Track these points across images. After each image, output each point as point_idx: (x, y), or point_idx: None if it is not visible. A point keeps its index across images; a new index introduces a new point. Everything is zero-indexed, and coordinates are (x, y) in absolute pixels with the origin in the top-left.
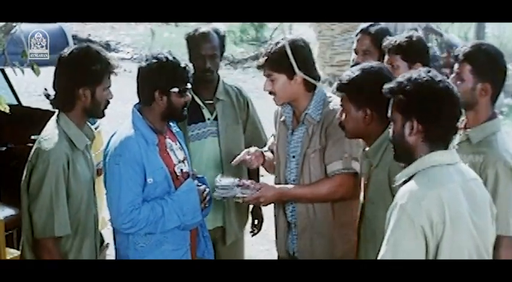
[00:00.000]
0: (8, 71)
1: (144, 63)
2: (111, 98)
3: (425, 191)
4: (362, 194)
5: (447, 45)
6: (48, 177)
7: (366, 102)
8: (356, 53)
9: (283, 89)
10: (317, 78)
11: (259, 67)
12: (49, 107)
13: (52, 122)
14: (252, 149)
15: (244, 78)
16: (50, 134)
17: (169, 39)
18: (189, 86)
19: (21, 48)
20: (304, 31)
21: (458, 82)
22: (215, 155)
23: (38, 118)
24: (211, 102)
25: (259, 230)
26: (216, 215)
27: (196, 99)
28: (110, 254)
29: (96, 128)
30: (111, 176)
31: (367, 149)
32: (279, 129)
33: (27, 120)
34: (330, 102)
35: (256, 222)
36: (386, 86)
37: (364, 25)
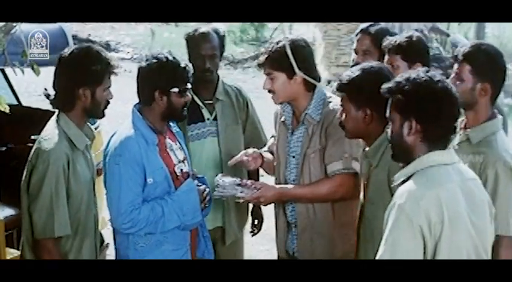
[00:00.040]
0: (8, 71)
1: (144, 63)
2: (111, 98)
3: (424, 191)
4: (362, 194)
5: (454, 45)
6: (48, 177)
7: (365, 102)
8: (356, 53)
9: (282, 88)
10: (317, 78)
11: (259, 65)
12: (49, 107)
13: (52, 122)
14: (250, 150)
15: (244, 78)
16: (50, 134)
17: (169, 39)
18: (189, 86)
19: (21, 48)
20: (304, 31)
21: (458, 82)
22: (215, 155)
23: (38, 118)
24: (210, 102)
25: (259, 230)
26: (216, 215)
27: (196, 99)
28: (110, 254)
29: (96, 128)
30: (111, 176)
31: (367, 149)
32: (278, 129)
33: (27, 120)
34: (330, 102)
35: (256, 222)
36: (385, 85)
37: (364, 25)
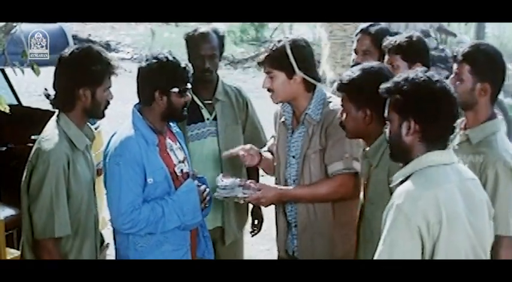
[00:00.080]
0: (8, 71)
1: (144, 63)
2: (111, 99)
3: (422, 191)
4: (362, 194)
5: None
6: (49, 177)
7: (365, 102)
8: (356, 53)
9: (282, 88)
10: (317, 78)
11: (259, 63)
12: (49, 107)
13: (52, 122)
14: (248, 146)
15: (244, 78)
16: (50, 135)
17: (169, 39)
18: (189, 86)
19: (21, 48)
20: (304, 31)
21: (458, 82)
22: (214, 155)
23: (38, 118)
24: (210, 102)
25: (259, 230)
26: (215, 215)
27: (196, 99)
28: (110, 254)
29: (96, 128)
30: (111, 176)
31: (367, 149)
32: (278, 129)
33: (27, 120)
34: (330, 102)
35: (256, 222)
36: (383, 85)
37: (364, 25)
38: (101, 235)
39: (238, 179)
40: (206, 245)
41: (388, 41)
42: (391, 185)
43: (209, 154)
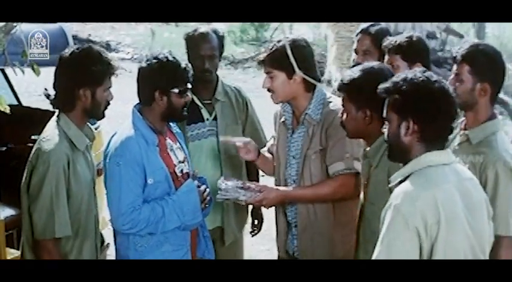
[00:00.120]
0: (8, 71)
1: (144, 64)
2: (111, 99)
3: (420, 192)
4: (362, 194)
5: None
6: (49, 178)
7: (365, 102)
8: (356, 53)
9: (281, 88)
10: (317, 78)
11: (259, 63)
12: (49, 107)
13: (52, 123)
14: (247, 139)
15: (244, 78)
16: (50, 135)
17: (169, 39)
18: (189, 86)
19: (21, 48)
20: (304, 31)
21: (458, 83)
22: (214, 155)
23: (38, 118)
24: (210, 102)
25: (259, 230)
26: (215, 215)
27: (195, 99)
28: (111, 254)
29: (96, 129)
30: (111, 176)
31: (367, 149)
32: (278, 129)
33: (27, 120)
34: (330, 102)
35: (256, 222)
36: (382, 85)
37: (364, 25)
38: (101, 235)
39: (240, 182)
40: (206, 245)
41: (388, 41)
42: (389, 185)
43: (209, 154)
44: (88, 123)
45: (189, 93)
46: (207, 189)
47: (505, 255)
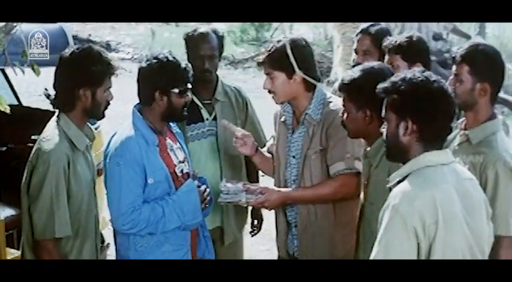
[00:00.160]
0: (9, 71)
1: (144, 64)
2: (111, 99)
3: (418, 192)
4: (362, 194)
5: None
6: (49, 178)
7: (366, 102)
8: (356, 53)
9: (282, 88)
10: (317, 78)
11: (259, 64)
12: (49, 107)
13: (52, 123)
14: (247, 133)
15: (244, 78)
16: (50, 135)
17: (169, 39)
18: (189, 86)
19: (21, 48)
20: (304, 31)
21: (457, 83)
22: (214, 155)
23: (38, 118)
24: (209, 102)
25: (259, 230)
26: (215, 215)
27: (195, 99)
28: (111, 254)
29: (96, 129)
30: (111, 176)
31: (367, 149)
32: (279, 129)
33: (28, 120)
34: (330, 102)
35: (256, 222)
36: (380, 85)
37: (364, 25)
38: (102, 235)
39: (241, 184)
40: (206, 245)
41: (388, 41)
42: (388, 185)
43: (208, 154)
44: (88, 123)
45: (189, 93)
46: (207, 189)
47: (505, 256)
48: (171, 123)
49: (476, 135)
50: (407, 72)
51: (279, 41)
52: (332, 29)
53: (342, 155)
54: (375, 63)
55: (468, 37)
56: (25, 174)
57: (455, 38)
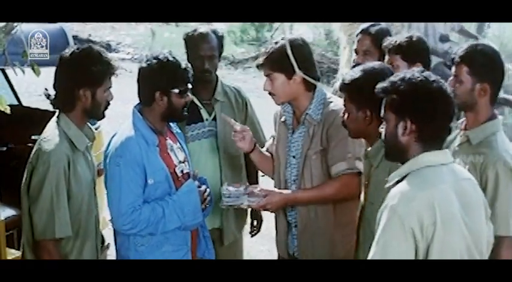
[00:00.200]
0: (9, 71)
1: (144, 64)
2: (111, 99)
3: (416, 192)
4: (362, 194)
5: None
6: (49, 179)
7: (366, 103)
8: (357, 53)
9: (282, 89)
10: (317, 78)
11: (258, 66)
12: (49, 107)
13: (52, 123)
14: (247, 128)
15: (244, 78)
16: (50, 135)
17: (169, 39)
18: (189, 86)
19: (21, 48)
20: (304, 31)
21: (457, 84)
22: (214, 156)
23: (38, 118)
24: (209, 102)
25: (258, 230)
26: (214, 216)
27: (195, 99)
28: (111, 254)
29: (96, 129)
30: (111, 177)
31: (368, 149)
32: (279, 129)
33: (28, 120)
34: (330, 102)
35: (255, 223)
36: (380, 85)
37: (364, 25)
38: (102, 235)
39: (243, 187)
40: (206, 245)
41: (388, 41)
42: (386, 186)
43: (208, 154)
44: (88, 123)
45: (189, 94)
46: (208, 190)
47: (506, 256)
48: (171, 124)
49: (477, 136)
50: (407, 72)
51: (276, 42)
52: (338, 30)
53: (344, 155)
54: (375, 64)
55: (476, 38)
56: (25, 175)
57: (462, 39)
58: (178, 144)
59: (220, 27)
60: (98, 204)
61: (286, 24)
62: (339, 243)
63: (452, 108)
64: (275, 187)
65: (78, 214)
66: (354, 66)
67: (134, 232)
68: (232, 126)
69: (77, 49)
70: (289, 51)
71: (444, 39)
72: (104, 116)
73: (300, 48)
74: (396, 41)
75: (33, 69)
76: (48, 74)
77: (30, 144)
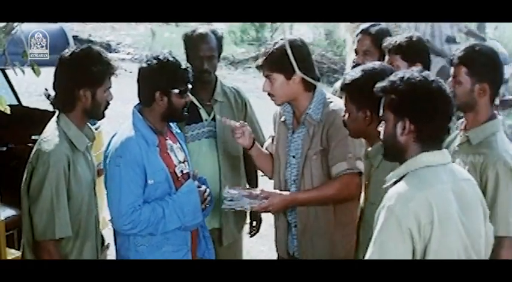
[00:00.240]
0: (9, 71)
1: (144, 64)
2: (111, 99)
3: (414, 193)
4: (363, 194)
5: None
6: (49, 179)
7: (366, 103)
8: (356, 54)
9: (281, 89)
10: (316, 78)
11: (257, 67)
12: (49, 107)
13: (52, 123)
14: (246, 124)
15: (244, 79)
16: (50, 135)
17: (169, 39)
18: (189, 86)
19: (21, 48)
20: (304, 31)
21: (456, 85)
22: (212, 156)
23: (38, 118)
24: (208, 103)
25: (257, 231)
26: (213, 216)
27: (194, 100)
28: (111, 254)
29: (96, 129)
30: (111, 177)
31: (368, 149)
32: (278, 129)
33: (28, 120)
34: (330, 102)
35: (254, 223)
36: (379, 84)
37: (364, 25)
38: (102, 236)
39: (245, 190)
40: (207, 245)
41: (388, 41)
42: (384, 186)
43: (207, 155)
44: (88, 123)
45: (189, 94)
46: (207, 190)
47: (507, 256)
48: (171, 124)
49: (477, 136)
50: (406, 71)
51: (275, 43)
52: (345, 32)
53: (344, 155)
54: (376, 64)
55: (483, 39)
56: (25, 175)
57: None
58: (178, 144)
59: (220, 27)
60: (98, 204)
61: (286, 24)
62: (339, 243)
63: (451, 108)
64: (275, 187)
65: (78, 214)
66: (354, 66)
67: (134, 232)
68: (231, 126)
69: (77, 49)
70: (289, 52)
71: (451, 40)
72: (104, 116)
73: (299, 48)
74: (396, 41)
75: (33, 69)
76: (48, 74)
77: (30, 144)
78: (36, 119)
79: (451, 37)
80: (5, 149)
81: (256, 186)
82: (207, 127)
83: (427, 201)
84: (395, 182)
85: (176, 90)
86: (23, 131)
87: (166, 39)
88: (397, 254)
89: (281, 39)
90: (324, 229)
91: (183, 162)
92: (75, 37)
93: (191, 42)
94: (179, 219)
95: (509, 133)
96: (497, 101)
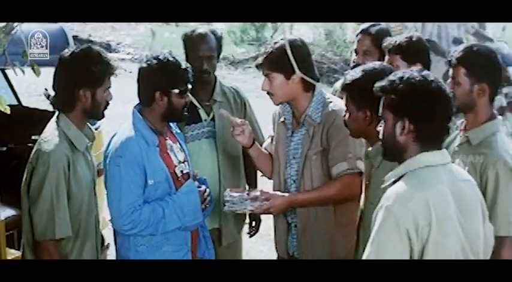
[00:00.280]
0: (9, 71)
1: (144, 64)
2: (111, 99)
3: (413, 193)
4: (363, 194)
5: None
6: (49, 179)
7: (366, 103)
8: (356, 54)
9: (280, 89)
10: (316, 78)
11: (257, 66)
12: (49, 107)
13: (52, 123)
14: (246, 122)
15: (244, 78)
16: (50, 136)
17: (169, 39)
18: (189, 86)
19: (21, 48)
20: (304, 31)
21: (455, 86)
22: (212, 156)
23: (38, 118)
24: (208, 103)
25: (256, 231)
26: (213, 216)
27: (193, 100)
28: (111, 254)
29: (96, 129)
30: (111, 177)
31: (369, 149)
32: (278, 130)
33: (28, 120)
34: (330, 102)
35: (254, 223)
36: (378, 84)
37: (364, 25)
38: (102, 236)
39: (246, 192)
40: (207, 245)
41: (388, 41)
42: (382, 186)
43: (206, 155)
44: (88, 123)
45: (189, 94)
46: (207, 190)
47: (507, 256)
48: (171, 124)
49: (476, 136)
50: (405, 71)
51: (275, 43)
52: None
53: (344, 155)
54: (376, 64)
55: (491, 40)
56: (25, 175)
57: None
58: (178, 144)
59: (220, 27)
60: (98, 204)
61: (286, 24)
62: (339, 243)
63: (450, 108)
64: (274, 187)
65: (78, 214)
66: (354, 67)
67: (134, 232)
68: (231, 122)
69: (77, 49)
70: (289, 52)
71: (457, 42)
72: (103, 116)
73: (299, 48)
74: (396, 41)
75: (33, 69)
76: (48, 74)
77: (30, 144)
78: (36, 119)
79: (458, 38)
80: (5, 149)
81: (256, 187)
82: (206, 127)
83: (426, 202)
84: (394, 182)
85: (176, 90)
86: (23, 131)
87: (166, 39)
88: (395, 254)
89: (281, 39)
90: (324, 229)
91: (183, 162)
92: (75, 37)
93: (191, 42)
94: (179, 219)
95: None
96: (504, 103)
